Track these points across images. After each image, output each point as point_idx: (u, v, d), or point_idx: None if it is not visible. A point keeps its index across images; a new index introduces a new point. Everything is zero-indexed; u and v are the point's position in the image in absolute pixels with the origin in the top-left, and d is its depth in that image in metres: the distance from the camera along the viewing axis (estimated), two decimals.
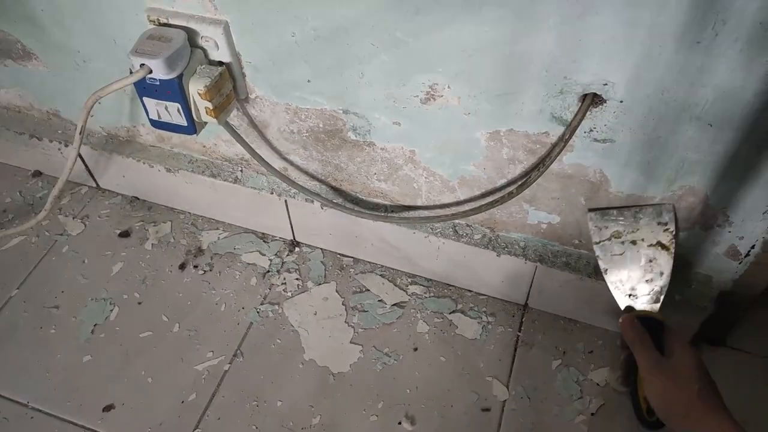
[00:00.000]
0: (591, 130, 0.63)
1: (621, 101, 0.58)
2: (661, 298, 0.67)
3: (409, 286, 0.91)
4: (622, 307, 0.69)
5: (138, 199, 1.04)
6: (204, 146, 0.90)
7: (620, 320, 0.64)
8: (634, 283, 0.69)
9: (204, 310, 0.89)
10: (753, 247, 0.68)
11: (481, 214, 0.76)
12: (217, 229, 0.99)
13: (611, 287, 0.70)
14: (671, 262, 0.68)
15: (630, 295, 0.69)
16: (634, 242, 0.69)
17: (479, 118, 0.66)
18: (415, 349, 0.84)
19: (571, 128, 0.61)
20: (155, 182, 0.97)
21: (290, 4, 0.63)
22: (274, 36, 0.67)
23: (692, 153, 0.60)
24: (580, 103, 0.60)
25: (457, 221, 0.83)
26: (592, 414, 0.77)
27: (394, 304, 0.89)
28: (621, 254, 0.70)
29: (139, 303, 0.91)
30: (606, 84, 0.57)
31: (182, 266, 0.94)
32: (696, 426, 0.54)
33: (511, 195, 0.69)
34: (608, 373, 0.80)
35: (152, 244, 0.98)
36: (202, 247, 0.97)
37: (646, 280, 0.69)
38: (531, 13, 0.54)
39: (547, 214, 0.75)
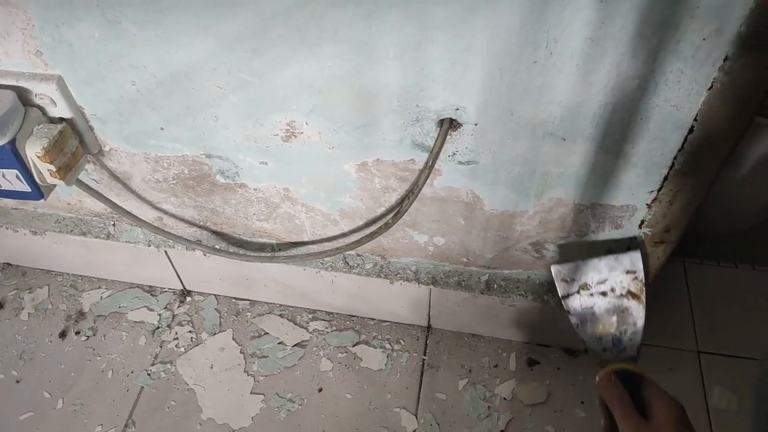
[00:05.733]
0: (454, 154, 0.61)
1: (475, 124, 0.57)
2: (636, 348, 0.63)
3: (310, 323, 0.87)
4: (598, 362, 0.63)
5: (10, 265, 0.96)
6: (68, 204, 0.83)
7: (597, 378, 0.59)
8: (609, 336, 0.65)
9: (89, 380, 0.82)
10: (628, 248, 0.68)
11: (369, 243, 0.74)
12: (99, 288, 0.92)
13: (587, 343, 0.66)
14: (643, 310, 0.65)
15: (605, 349, 0.65)
16: (603, 294, 0.66)
17: (343, 151, 0.64)
18: (320, 390, 0.81)
19: (434, 154, 0.60)
20: (24, 246, 0.89)
21: (122, 53, 0.58)
22: (113, 86, 0.62)
23: (552, 167, 0.60)
24: (438, 129, 0.59)
25: (346, 253, 0.80)
26: (502, 431, 0.76)
27: (295, 345, 0.85)
28: (591, 307, 0.66)
29: (18, 381, 0.83)
30: (458, 109, 0.56)
31: (63, 334, 0.87)
32: None
33: (388, 225, 0.67)
34: (515, 386, 0.80)
35: (28, 313, 0.90)
36: (84, 309, 0.89)
37: (620, 332, 0.65)
38: (370, 46, 0.52)
39: (431, 237, 0.74)
